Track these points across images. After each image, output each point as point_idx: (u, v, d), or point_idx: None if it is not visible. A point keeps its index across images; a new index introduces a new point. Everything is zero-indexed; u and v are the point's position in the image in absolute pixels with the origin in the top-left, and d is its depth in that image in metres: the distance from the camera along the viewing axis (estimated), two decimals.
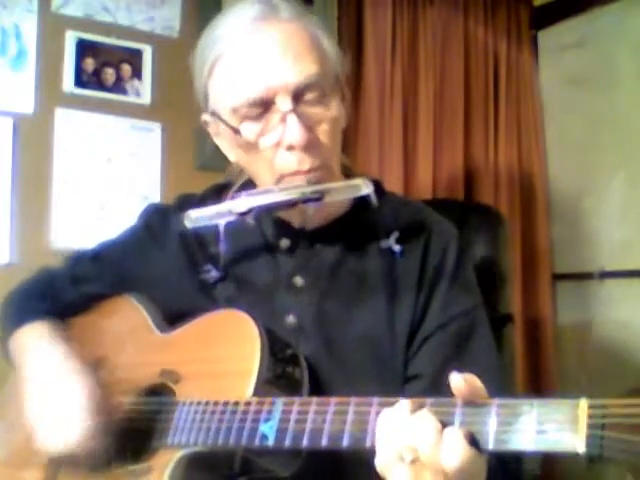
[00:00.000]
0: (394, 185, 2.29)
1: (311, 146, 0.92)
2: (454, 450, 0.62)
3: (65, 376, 0.99)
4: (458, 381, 0.65)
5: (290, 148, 0.92)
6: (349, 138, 2.27)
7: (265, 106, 0.92)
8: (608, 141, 2.51)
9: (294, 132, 0.91)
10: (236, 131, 0.95)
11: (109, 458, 0.96)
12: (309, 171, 0.93)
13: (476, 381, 0.66)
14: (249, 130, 0.94)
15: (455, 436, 0.62)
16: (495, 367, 0.99)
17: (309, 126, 0.92)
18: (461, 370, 0.95)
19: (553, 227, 2.69)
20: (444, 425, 0.64)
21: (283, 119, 0.91)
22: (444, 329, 0.98)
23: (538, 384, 2.49)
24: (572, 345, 2.59)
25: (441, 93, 2.48)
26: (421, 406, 0.67)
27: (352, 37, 2.37)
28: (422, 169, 2.40)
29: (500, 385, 0.94)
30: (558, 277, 2.67)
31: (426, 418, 0.65)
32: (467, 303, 1.01)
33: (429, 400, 0.68)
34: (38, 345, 1.07)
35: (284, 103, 0.91)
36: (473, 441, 0.62)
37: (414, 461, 0.64)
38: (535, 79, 2.73)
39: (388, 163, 2.36)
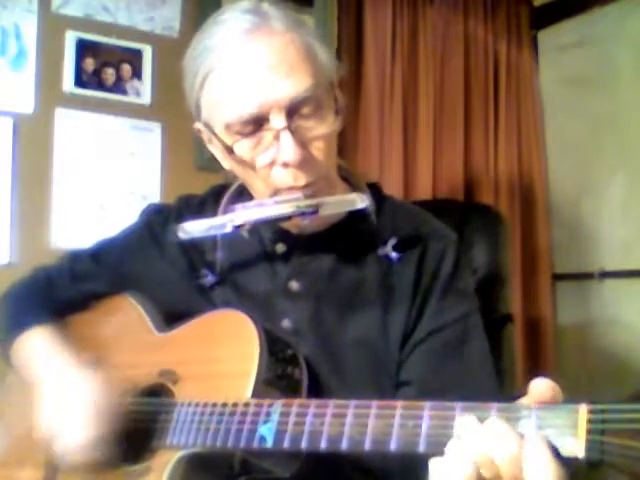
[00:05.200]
0: (394, 186, 2.30)
1: (305, 163, 0.91)
2: (542, 464, 0.58)
3: (74, 383, 0.99)
4: (543, 388, 0.62)
5: (285, 165, 0.91)
6: (349, 138, 2.27)
7: (259, 122, 0.91)
8: (608, 141, 2.51)
9: (288, 150, 0.89)
10: (230, 150, 0.93)
11: (109, 461, 0.96)
12: (305, 186, 0.93)
13: (555, 387, 0.62)
14: (243, 148, 0.93)
15: (541, 449, 0.58)
16: (489, 374, 0.98)
17: (303, 142, 0.91)
18: (453, 375, 0.95)
19: (553, 227, 2.69)
20: (520, 434, 0.60)
21: (277, 137, 0.90)
22: (436, 336, 0.98)
23: None
24: (572, 345, 2.59)
25: (441, 93, 2.49)
26: (488, 413, 0.63)
27: (352, 37, 2.37)
28: (422, 169, 2.40)
29: (493, 393, 0.93)
30: (558, 277, 2.67)
31: (502, 428, 0.61)
32: (460, 310, 1.00)
33: (494, 405, 0.64)
34: (44, 354, 1.07)
35: (278, 120, 0.89)
36: (557, 453, 0.59)
37: (495, 478, 0.60)
38: (535, 79, 2.73)
39: (388, 163, 2.36)
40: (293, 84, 0.89)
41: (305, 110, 0.91)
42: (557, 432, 0.59)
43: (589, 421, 0.57)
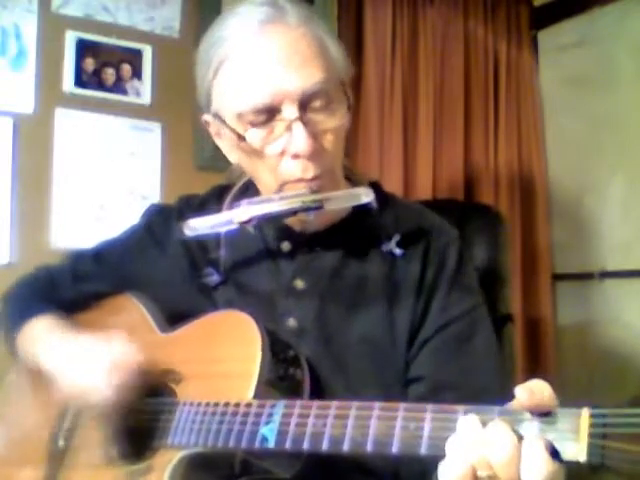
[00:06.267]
0: (394, 185, 2.30)
1: (316, 154, 0.92)
2: (536, 464, 0.58)
3: (87, 339, 1.01)
4: (522, 394, 0.61)
5: (295, 156, 0.92)
6: (349, 138, 2.25)
7: (271, 113, 0.91)
8: (608, 141, 2.51)
9: (300, 141, 0.90)
10: (241, 138, 0.94)
11: (111, 458, 0.96)
12: (313, 179, 0.93)
13: (544, 390, 0.62)
14: (254, 137, 0.93)
15: (536, 449, 0.58)
16: (493, 368, 0.99)
17: (314, 134, 0.92)
18: (462, 370, 0.96)
19: (553, 227, 2.69)
20: (519, 436, 0.60)
21: (289, 127, 0.91)
22: (444, 331, 0.98)
23: None
24: (572, 345, 2.59)
25: (441, 93, 2.49)
26: (491, 416, 0.63)
27: (352, 37, 2.37)
28: (422, 169, 2.40)
29: (500, 387, 0.94)
30: (558, 277, 2.67)
31: (501, 430, 0.61)
32: (466, 304, 1.01)
33: (497, 409, 0.64)
34: (55, 329, 1.09)
35: (290, 111, 0.90)
36: (555, 453, 0.58)
37: (491, 478, 0.60)
38: (535, 79, 2.73)
39: (388, 163, 2.36)
40: (305, 76, 0.90)
41: (316, 103, 0.92)
42: (559, 436, 0.59)
43: (591, 425, 0.57)
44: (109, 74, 2.06)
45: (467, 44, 2.56)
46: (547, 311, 2.60)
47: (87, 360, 0.98)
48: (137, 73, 2.09)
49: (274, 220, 1.00)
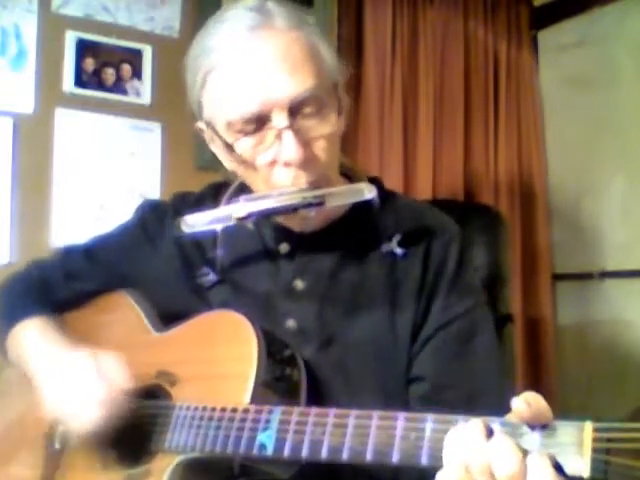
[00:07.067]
0: (394, 186, 2.28)
1: (307, 162, 0.90)
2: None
3: (75, 359, 0.99)
4: (519, 405, 0.61)
5: (287, 165, 0.90)
6: (349, 138, 2.27)
7: (261, 121, 0.90)
8: (608, 141, 2.51)
9: (290, 149, 0.88)
10: (230, 148, 0.93)
11: (108, 459, 0.96)
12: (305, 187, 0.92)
13: (540, 401, 0.61)
14: (245, 146, 0.92)
15: (542, 465, 0.58)
16: (496, 369, 0.98)
17: (305, 141, 0.90)
18: (462, 370, 0.95)
19: (553, 227, 2.69)
20: (524, 451, 0.59)
21: (279, 136, 0.89)
22: (445, 330, 0.97)
23: (538, 384, 2.49)
24: (572, 345, 2.59)
25: (441, 93, 2.49)
26: (493, 428, 0.62)
27: (352, 37, 2.37)
28: (422, 169, 2.40)
29: (500, 387, 0.93)
30: (558, 277, 2.67)
31: (506, 443, 0.60)
32: (467, 303, 1.00)
33: (497, 420, 0.63)
34: (39, 340, 1.06)
35: (280, 119, 0.88)
36: (559, 468, 0.58)
37: None
38: (535, 79, 2.73)
39: (388, 163, 2.36)
40: (295, 83, 0.88)
41: (307, 110, 0.90)
42: (562, 450, 0.58)
43: (594, 440, 0.56)
44: (109, 74, 2.06)
45: (467, 44, 2.56)
46: (547, 311, 2.61)
47: (72, 383, 0.95)
48: (137, 73, 2.09)
49: (273, 216, 0.98)
